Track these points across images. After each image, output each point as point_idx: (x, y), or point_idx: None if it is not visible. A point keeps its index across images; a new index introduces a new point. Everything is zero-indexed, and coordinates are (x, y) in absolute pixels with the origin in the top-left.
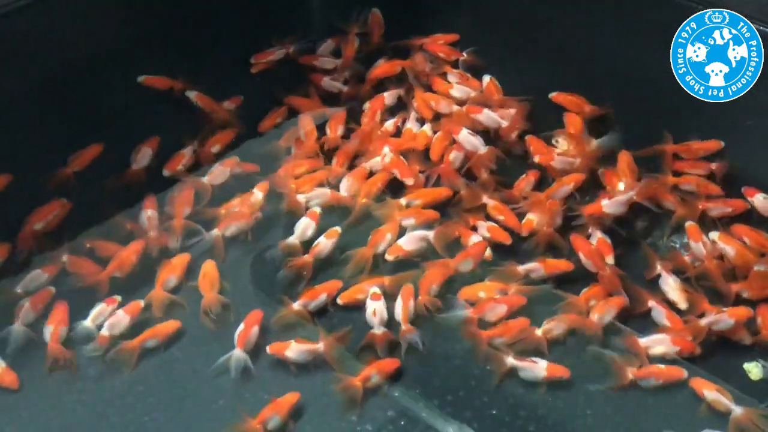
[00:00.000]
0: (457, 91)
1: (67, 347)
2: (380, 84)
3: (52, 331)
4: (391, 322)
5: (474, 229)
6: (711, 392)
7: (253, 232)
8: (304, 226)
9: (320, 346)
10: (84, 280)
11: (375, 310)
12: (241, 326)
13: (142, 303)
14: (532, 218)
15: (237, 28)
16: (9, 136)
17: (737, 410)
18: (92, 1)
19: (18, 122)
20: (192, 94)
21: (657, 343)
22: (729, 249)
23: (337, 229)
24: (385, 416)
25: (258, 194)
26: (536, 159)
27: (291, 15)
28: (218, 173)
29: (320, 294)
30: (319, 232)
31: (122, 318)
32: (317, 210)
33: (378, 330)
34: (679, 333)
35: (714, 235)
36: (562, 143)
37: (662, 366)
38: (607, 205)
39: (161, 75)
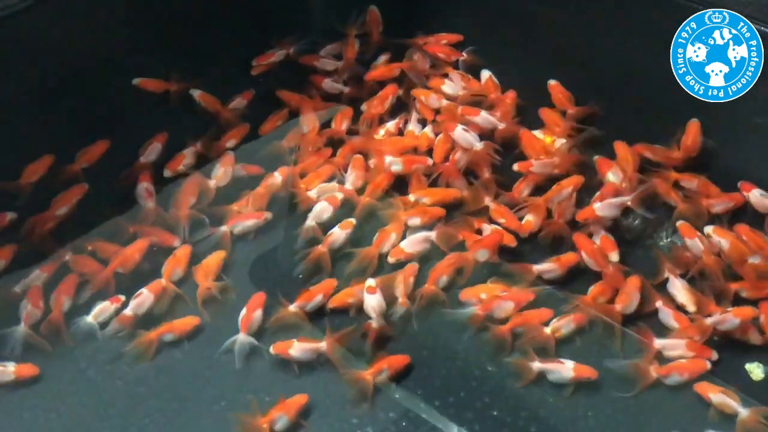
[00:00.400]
0: (449, 87)
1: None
2: (379, 85)
3: (55, 299)
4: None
5: (478, 232)
6: (716, 395)
7: (261, 231)
8: (321, 209)
9: (323, 345)
10: (88, 279)
11: (370, 302)
12: (244, 310)
13: (163, 282)
14: (531, 219)
15: (237, 29)
16: (13, 134)
17: (744, 412)
18: (96, 6)
19: (21, 122)
20: (196, 93)
21: (672, 348)
22: (724, 242)
23: (352, 220)
24: (387, 417)
25: (278, 177)
26: (515, 167)
27: (291, 15)
28: (222, 175)
29: (316, 295)
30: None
31: (147, 297)
32: (339, 195)
33: (374, 323)
34: (692, 336)
35: (708, 229)
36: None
37: (684, 361)
38: (600, 208)
39: (161, 77)
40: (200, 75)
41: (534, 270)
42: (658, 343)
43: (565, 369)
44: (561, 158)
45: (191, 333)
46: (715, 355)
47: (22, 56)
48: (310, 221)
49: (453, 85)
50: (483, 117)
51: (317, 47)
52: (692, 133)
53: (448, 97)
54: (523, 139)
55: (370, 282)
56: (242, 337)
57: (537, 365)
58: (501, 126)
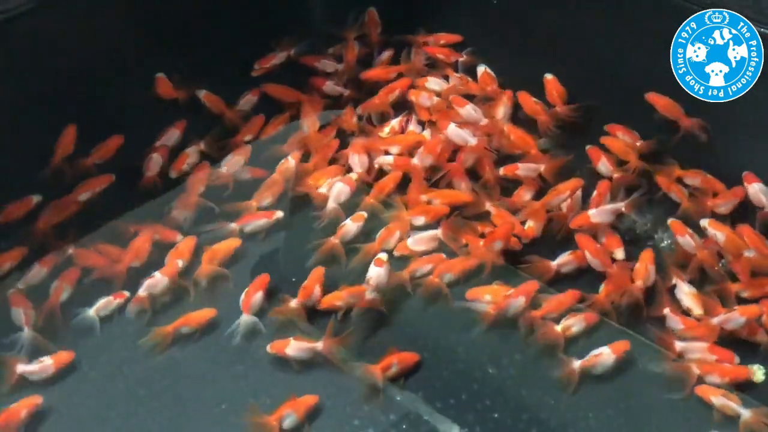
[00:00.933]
0: (434, 83)
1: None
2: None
3: (55, 286)
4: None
5: (483, 236)
6: (718, 398)
7: (273, 231)
8: (339, 190)
9: (319, 344)
10: (102, 272)
11: (373, 273)
12: (246, 291)
13: (180, 263)
14: (532, 225)
15: (238, 34)
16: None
17: (746, 413)
18: (104, 14)
19: (25, 122)
20: (201, 94)
21: (693, 351)
22: (719, 234)
23: (363, 213)
24: (388, 420)
25: (291, 161)
26: (501, 171)
27: (291, 17)
28: (233, 162)
29: (314, 287)
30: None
31: (160, 280)
32: (353, 176)
33: (369, 294)
34: (701, 337)
35: (704, 222)
36: None
37: (729, 365)
38: (594, 215)
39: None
40: (202, 80)
41: (552, 265)
42: (680, 345)
43: (606, 357)
44: (547, 165)
45: (207, 325)
46: (736, 359)
47: (26, 58)
48: (332, 203)
49: (439, 81)
50: (467, 110)
51: (318, 49)
52: (658, 98)
53: (437, 94)
54: (513, 136)
55: (382, 256)
56: (245, 318)
57: (578, 364)
58: (483, 122)
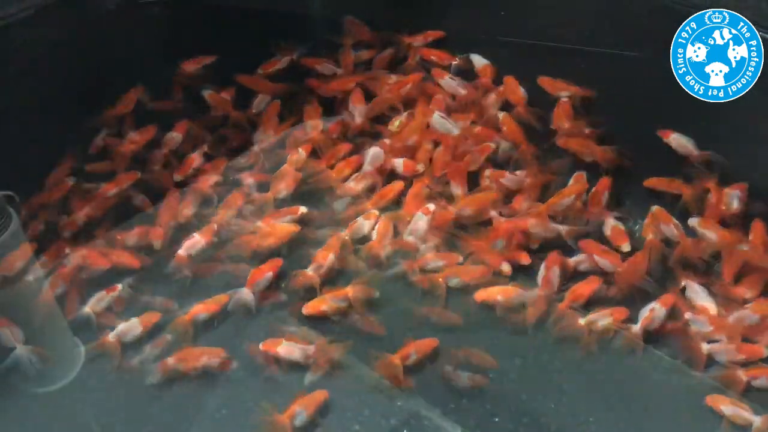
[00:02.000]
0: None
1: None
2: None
3: (50, 285)
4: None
5: None
6: (728, 407)
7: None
8: (375, 154)
9: (311, 347)
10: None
11: (418, 220)
12: (259, 267)
13: (215, 226)
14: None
15: (239, 39)
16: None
17: (758, 420)
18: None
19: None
20: (206, 93)
21: (722, 352)
22: (711, 234)
23: (376, 212)
24: (388, 424)
25: (302, 153)
26: (487, 173)
27: (291, 21)
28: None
29: (328, 256)
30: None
31: (198, 241)
32: (387, 141)
33: (406, 235)
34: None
35: (694, 221)
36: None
37: None
38: (533, 225)
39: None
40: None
41: (570, 263)
42: (707, 347)
43: (659, 310)
44: (532, 176)
45: (221, 311)
46: (765, 353)
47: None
48: (367, 166)
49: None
50: (446, 81)
51: (318, 52)
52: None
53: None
54: (505, 126)
55: (431, 206)
56: (244, 291)
57: (637, 327)
58: (462, 92)
